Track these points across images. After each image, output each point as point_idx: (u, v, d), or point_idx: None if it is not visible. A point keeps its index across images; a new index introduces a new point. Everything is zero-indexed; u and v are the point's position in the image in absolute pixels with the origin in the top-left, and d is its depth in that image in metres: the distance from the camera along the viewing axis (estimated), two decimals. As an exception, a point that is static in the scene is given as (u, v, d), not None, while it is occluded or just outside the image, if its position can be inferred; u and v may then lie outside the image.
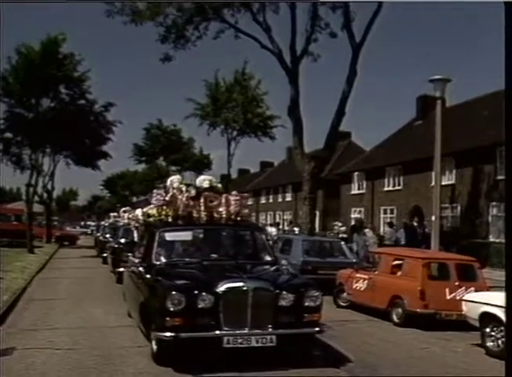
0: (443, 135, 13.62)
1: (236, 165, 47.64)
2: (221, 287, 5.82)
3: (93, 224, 45.17)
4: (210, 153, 49.36)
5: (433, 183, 15.82)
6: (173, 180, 7.82)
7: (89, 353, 6.54)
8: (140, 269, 7.21)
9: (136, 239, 8.90)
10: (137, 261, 7.77)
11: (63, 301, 10.62)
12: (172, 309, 5.66)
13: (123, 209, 21.41)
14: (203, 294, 5.76)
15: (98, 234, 25.99)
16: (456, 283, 8.84)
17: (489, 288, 8.51)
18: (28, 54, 24.92)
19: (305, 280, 7.14)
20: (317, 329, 6.16)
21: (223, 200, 7.55)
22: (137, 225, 8.84)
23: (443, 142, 13.67)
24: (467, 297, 8.05)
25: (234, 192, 7.88)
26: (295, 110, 20.64)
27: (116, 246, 15.47)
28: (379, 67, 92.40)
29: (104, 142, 30.08)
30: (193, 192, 7.50)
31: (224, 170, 36.69)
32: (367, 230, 15.80)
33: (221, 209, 7.53)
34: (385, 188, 28.72)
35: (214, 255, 7.38)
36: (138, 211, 8.55)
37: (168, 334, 5.66)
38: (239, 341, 5.73)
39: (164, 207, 7.61)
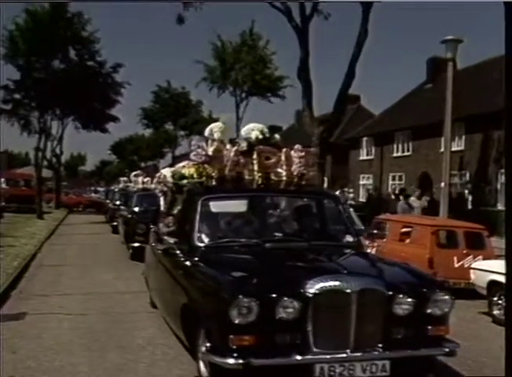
0: (453, 99, 13.39)
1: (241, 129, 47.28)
2: (311, 288, 3.91)
3: (101, 189, 45.25)
4: (220, 117, 49.01)
5: (442, 149, 15.66)
6: (214, 128, 5.88)
7: (100, 317, 6.65)
8: (177, 252, 5.20)
9: (162, 207, 6.83)
10: (169, 239, 5.62)
11: (73, 268, 10.73)
12: (238, 322, 3.77)
13: (134, 173, 19.79)
14: (285, 298, 3.84)
15: (107, 201, 25.16)
16: (464, 251, 8.84)
17: (497, 256, 8.50)
18: (36, 13, 24.56)
19: (424, 275, 4.95)
20: (447, 349, 4.21)
21: (283, 157, 5.68)
22: (165, 188, 6.77)
23: (453, 106, 13.45)
24: (475, 265, 8.06)
25: (297, 146, 5.81)
26: (305, 72, 20.33)
27: (130, 216, 13.36)
28: (390, 29, 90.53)
29: (113, 105, 29.90)
30: (244, 146, 5.66)
31: (232, 134, 36.53)
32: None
33: (279, 169, 5.71)
34: (394, 154, 28.49)
35: (278, 234, 5.48)
36: (166, 171, 6.77)
37: (232, 361, 3.76)
38: (338, 370, 3.87)
39: (205, 165, 5.70)
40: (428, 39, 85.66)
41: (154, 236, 6.82)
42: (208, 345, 4.02)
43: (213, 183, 5.66)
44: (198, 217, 5.15)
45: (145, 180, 16.95)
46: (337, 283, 3.95)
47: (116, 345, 5.56)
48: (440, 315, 4.25)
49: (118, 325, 6.32)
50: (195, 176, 5.79)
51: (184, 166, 6.20)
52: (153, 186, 14.33)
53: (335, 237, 5.65)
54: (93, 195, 42.14)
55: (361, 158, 32.17)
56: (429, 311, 4.20)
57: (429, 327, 4.21)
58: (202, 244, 5.00)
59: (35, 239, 14.66)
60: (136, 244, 11.07)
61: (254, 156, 5.60)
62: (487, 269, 7.53)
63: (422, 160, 25.50)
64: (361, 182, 31.18)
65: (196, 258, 4.83)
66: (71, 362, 5.01)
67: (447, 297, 4.28)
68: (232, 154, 5.57)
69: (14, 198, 25.58)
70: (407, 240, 9.47)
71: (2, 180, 29.34)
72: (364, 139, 31.89)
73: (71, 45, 26.38)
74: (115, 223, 17.45)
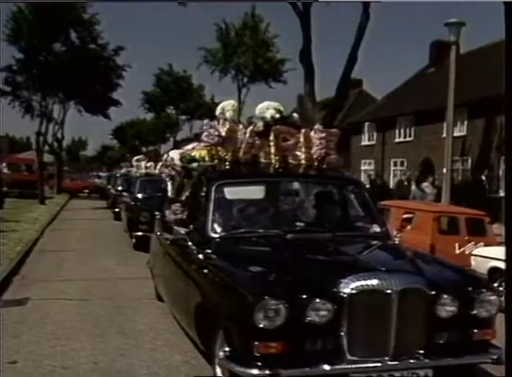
0: (456, 84, 13.31)
1: (247, 114, 47.31)
2: (346, 288, 3.49)
3: (103, 175, 45.26)
4: (222, 101, 48.84)
5: (444, 134, 15.59)
6: (226, 107, 5.35)
7: (102, 303, 6.67)
8: (189, 243, 4.67)
9: (170, 193, 6.37)
10: (178, 228, 5.02)
11: (75, 253, 10.75)
12: (264, 327, 3.33)
13: (136, 157, 19.21)
14: (317, 300, 3.43)
15: (109, 186, 24.67)
16: (466, 238, 8.83)
17: (499, 243, 8.50)
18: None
19: (467, 272, 4.83)
20: (494, 356, 3.75)
21: (301, 138, 5.17)
22: (172, 173, 6.23)
23: (455, 91, 13.37)
24: (476, 251, 8.06)
25: (317, 126, 5.33)
26: (307, 55, 20.21)
27: (132, 203, 12.74)
28: (392, 12, 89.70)
29: (115, 88, 29.79)
30: (260, 125, 5.14)
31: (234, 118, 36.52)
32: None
33: (298, 152, 5.22)
34: (396, 140, 28.40)
35: (299, 224, 5.03)
36: (174, 154, 6.22)
37: (256, 371, 3.33)
38: None
39: (218, 148, 5.21)
40: (431, 23, 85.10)
41: (160, 225, 6.26)
42: (227, 349, 3.58)
43: (227, 167, 5.16)
44: (211, 204, 4.64)
45: (148, 164, 16.63)
46: (376, 282, 3.50)
47: (118, 330, 5.58)
48: (486, 317, 3.82)
49: (120, 311, 6.35)
50: (206, 159, 5.34)
51: (193, 149, 5.75)
52: (157, 171, 13.76)
53: (361, 227, 5.15)
54: (96, 180, 42.08)
55: (363, 143, 32.07)
56: (474, 313, 3.77)
57: (475, 331, 3.78)
58: (216, 235, 4.51)
59: (37, 225, 14.69)
60: (139, 233, 10.64)
61: (271, 137, 5.09)
62: (488, 256, 7.53)
63: (424, 146, 25.41)
64: (362, 168, 31.13)
65: (211, 251, 4.37)
66: (72, 347, 5.04)
67: (494, 297, 3.86)
68: (247, 135, 5.08)
69: (16, 183, 25.54)
70: (409, 226, 9.46)
71: (4, 165, 29.32)
72: (366, 124, 31.76)
73: (72, 27, 26.24)
74: (116, 209, 16.96)
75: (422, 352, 3.57)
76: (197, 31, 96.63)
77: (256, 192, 5.18)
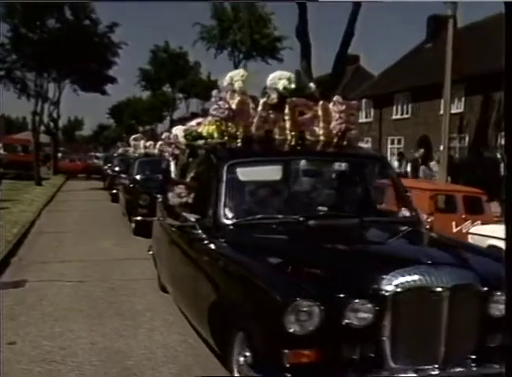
0: (453, 59, 13.19)
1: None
2: (389, 285, 3.00)
3: (100, 155, 45.06)
4: (218, 79, 48.68)
5: (441, 111, 15.52)
6: (234, 76, 4.75)
7: (99, 284, 6.68)
8: (199, 231, 4.13)
9: (173, 174, 5.82)
10: (185, 213, 4.45)
11: (72, 234, 10.75)
12: (295, 333, 2.88)
13: (134, 136, 18.42)
14: (356, 300, 2.96)
15: (106, 167, 24.08)
16: (463, 216, 8.83)
17: (497, 221, 8.51)
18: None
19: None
20: None
21: (319, 112, 4.63)
22: (176, 151, 5.65)
23: (453, 67, 13.26)
24: (473, 230, 8.06)
25: (337, 98, 4.76)
26: (303, 31, 19.99)
27: (131, 185, 12.03)
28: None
29: (110, 66, 29.48)
30: (274, 97, 4.61)
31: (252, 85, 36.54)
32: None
33: (316, 127, 4.69)
34: (393, 117, 28.29)
35: (322, 208, 4.41)
36: (177, 130, 5.64)
37: None
38: None
39: (228, 122, 4.66)
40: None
41: (162, 209, 5.83)
42: (248, 355, 3.16)
43: (238, 144, 4.61)
44: (223, 187, 4.09)
45: (147, 144, 16.00)
46: (423, 277, 3.02)
47: (115, 311, 5.60)
48: None
49: (118, 292, 6.36)
50: (215, 135, 4.75)
51: (199, 124, 5.26)
52: (156, 151, 13.36)
53: (388, 211, 4.71)
54: (95, 161, 41.81)
55: (360, 121, 31.90)
56: None
57: None
58: (229, 222, 3.97)
59: (34, 206, 14.66)
60: (139, 218, 10.20)
61: (286, 111, 4.56)
62: (485, 234, 7.54)
63: (422, 123, 25.32)
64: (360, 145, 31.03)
65: (224, 240, 3.90)
66: (70, 328, 5.06)
67: None
68: (259, 108, 4.56)
69: (12, 164, 25.43)
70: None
71: (0, 145, 29.17)
72: (363, 101, 31.58)
73: (66, 4, 25.81)
74: (114, 191, 16.33)
75: (474, 357, 3.13)
76: (193, 7, 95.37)
77: (272, 172, 4.57)
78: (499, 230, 7.29)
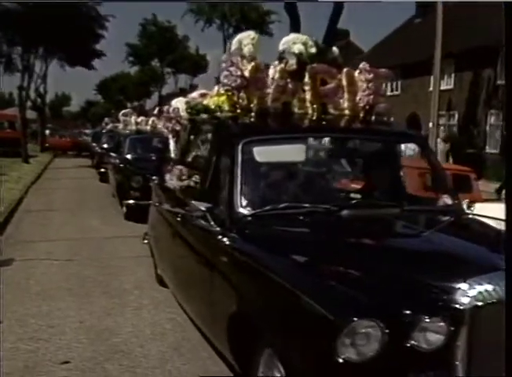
0: (443, 34, 13.13)
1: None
2: (466, 297, 2.37)
3: (88, 131, 44.50)
4: (207, 54, 48.48)
5: (431, 88, 15.48)
6: (244, 40, 4.10)
7: (88, 263, 6.67)
8: (211, 223, 3.38)
9: (173, 153, 5.12)
10: (193, 201, 3.65)
11: (60, 213, 10.67)
12: (350, 359, 2.26)
13: (123, 111, 17.21)
14: (426, 318, 2.31)
15: (94, 144, 22.78)
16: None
17: (484, 200, 8.56)
18: None
19: None
20: None
21: (344, 81, 3.97)
22: (177, 127, 4.91)
23: (443, 42, 13.21)
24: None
25: (363, 64, 4.04)
26: (292, 5, 19.76)
27: (122, 165, 11.12)
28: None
29: (98, 39, 28.99)
30: (293, 63, 3.98)
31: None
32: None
33: (340, 99, 4.02)
34: (383, 94, 28.15)
35: (355, 195, 3.92)
36: (179, 103, 4.88)
37: None
38: None
39: (240, 92, 3.93)
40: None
41: (159, 192, 5.30)
42: None
43: (251, 118, 3.94)
44: (238, 170, 3.39)
45: (139, 120, 14.96)
46: (499, 287, 2.38)
47: (104, 290, 5.59)
48: None
49: (106, 270, 6.35)
50: (225, 108, 4.02)
51: (204, 95, 4.60)
52: (149, 128, 12.76)
53: (429, 198, 4.11)
54: (85, 138, 41.18)
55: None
56: None
57: None
58: (247, 212, 3.28)
59: (21, 184, 14.53)
60: (131, 201, 9.94)
61: (306, 79, 3.93)
62: (473, 213, 7.58)
63: (411, 100, 25.28)
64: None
65: (243, 234, 3.21)
66: (58, 307, 5.05)
67: None
68: (276, 75, 3.90)
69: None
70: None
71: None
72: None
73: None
74: (102, 170, 15.37)
75: None
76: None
77: (294, 152, 3.88)
78: (487, 208, 7.33)
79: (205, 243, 3.58)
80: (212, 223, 3.38)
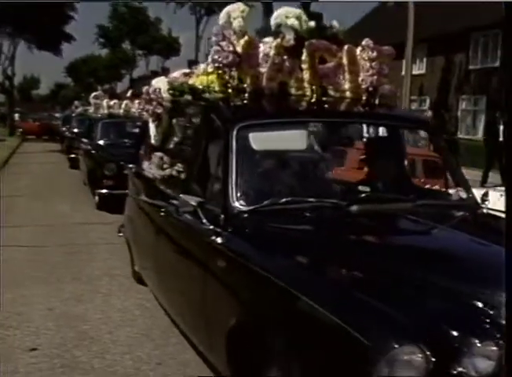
0: (416, 18, 13.17)
1: (204, 49, 46.48)
2: None
3: (58, 115, 43.52)
4: (179, 36, 48.04)
5: (403, 72, 15.57)
6: (233, 12, 3.64)
7: (56, 249, 6.55)
8: (203, 220, 2.98)
9: (153, 139, 4.49)
10: (185, 196, 3.13)
11: (27, 198, 10.42)
12: None
13: (94, 94, 16.20)
14: (477, 343, 1.88)
15: (64, 128, 21.58)
16: (422, 180, 8.91)
17: (455, 186, 8.63)
18: None
19: None
20: None
21: (345, 59, 3.61)
22: (158, 110, 4.28)
23: (415, 26, 13.26)
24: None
25: (366, 41, 3.70)
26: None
27: (93, 151, 10.48)
28: None
29: (67, 21, 28.32)
30: (291, 38, 3.58)
31: (191, 54, 35.89)
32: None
33: (341, 79, 3.64)
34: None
35: (363, 188, 3.56)
36: (159, 83, 4.33)
37: None
38: None
39: (232, 71, 3.51)
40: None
41: (137, 182, 4.84)
42: None
43: (245, 100, 3.53)
44: (233, 159, 2.98)
45: (111, 103, 14.04)
46: None
47: (73, 276, 5.51)
48: None
49: (76, 257, 6.26)
50: (216, 88, 3.57)
51: (187, 75, 4.21)
52: (122, 111, 12.10)
53: (441, 192, 3.65)
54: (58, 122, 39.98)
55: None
56: None
57: None
58: (245, 208, 2.86)
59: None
60: (104, 191, 8.99)
61: (304, 57, 3.54)
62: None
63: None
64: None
65: (240, 233, 2.83)
66: (26, 294, 4.95)
67: None
68: (271, 52, 3.49)
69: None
70: (366, 168, 9.48)
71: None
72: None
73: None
74: (72, 155, 14.72)
75: None
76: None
77: (295, 139, 3.53)
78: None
79: (195, 242, 3.18)
80: (204, 220, 2.96)
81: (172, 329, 3.95)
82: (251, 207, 2.89)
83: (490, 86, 20.58)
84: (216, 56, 3.50)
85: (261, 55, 3.54)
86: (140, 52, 48.72)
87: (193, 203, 3.01)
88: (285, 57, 3.54)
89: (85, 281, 5.38)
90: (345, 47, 3.65)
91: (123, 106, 12.48)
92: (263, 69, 3.53)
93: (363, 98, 3.68)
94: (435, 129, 4.12)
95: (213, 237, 2.88)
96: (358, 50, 3.70)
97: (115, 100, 14.13)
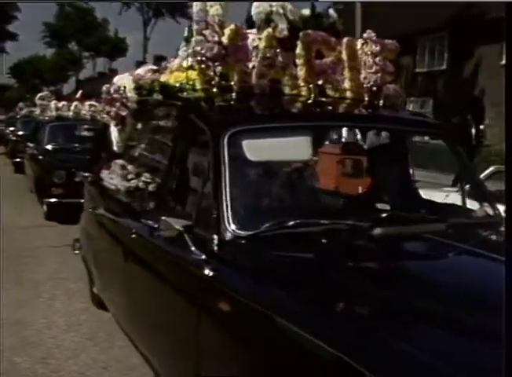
0: (363, 21, 13.47)
1: (153, 51, 46.02)
2: None
3: (2, 117, 41.85)
4: (127, 37, 47.46)
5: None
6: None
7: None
8: (192, 249, 2.35)
9: (115, 145, 3.87)
10: (167, 219, 2.45)
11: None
12: None
13: (40, 95, 15.28)
14: None
15: (7, 131, 20.41)
16: (369, 181, 9.00)
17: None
18: None
19: None
20: None
21: (344, 54, 3.14)
22: (123, 112, 3.65)
23: (363, 29, 13.55)
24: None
25: (368, 33, 3.26)
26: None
27: (41, 157, 9.72)
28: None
29: (10, 21, 27.47)
30: (284, 28, 3.12)
31: (139, 56, 35.53)
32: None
33: (339, 77, 3.15)
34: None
35: (383, 206, 3.01)
36: (125, 80, 3.76)
37: None
38: None
39: (216, 66, 2.98)
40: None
41: (95, 194, 4.30)
42: None
43: (231, 101, 3.00)
44: (226, 172, 2.41)
45: (60, 104, 13.29)
46: None
47: (16, 281, 5.34)
48: None
49: (19, 261, 6.04)
50: (197, 86, 3.03)
51: (157, 71, 3.69)
52: (71, 113, 11.59)
53: (459, 206, 3.06)
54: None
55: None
56: None
57: None
58: (244, 233, 2.29)
59: None
60: (53, 200, 8.36)
61: (299, 50, 3.03)
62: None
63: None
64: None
65: (242, 267, 2.31)
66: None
67: None
68: (261, 44, 3.01)
69: None
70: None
71: None
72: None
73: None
74: (18, 159, 13.84)
75: None
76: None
77: (298, 147, 2.78)
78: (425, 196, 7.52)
79: (181, 273, 2.52)
80: (193, 248, 2.35)
81: (118, 333, 3.86)
82: (251, 232, 2.29)
83: (437, 89, 21.30)
84: (198, 48, 2.96)
85: (249, 48, 3.04)
86: (86, 53, 47.84)
87: (178, 227, 2.39)
88: (278, 50, 3.05)
89: (29, 286, 5.22)
90: (345, 40, 3.19)
91: (73, 108, 12.09)
92: (251, 64, 3.03)
93: (366, 99, 3.18)
94: (453, 136, 3.40)
95: (205, 269, 2.25)
96: (359, 43, 3.25)
97: (64, 102, 13.53)
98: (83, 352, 3.79)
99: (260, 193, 2.87)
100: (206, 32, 2.98)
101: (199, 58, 2.98)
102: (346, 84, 3.17)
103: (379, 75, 3.19)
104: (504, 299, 1.44)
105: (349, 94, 3.17)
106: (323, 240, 2.32)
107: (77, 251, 4.93)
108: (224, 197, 2.37)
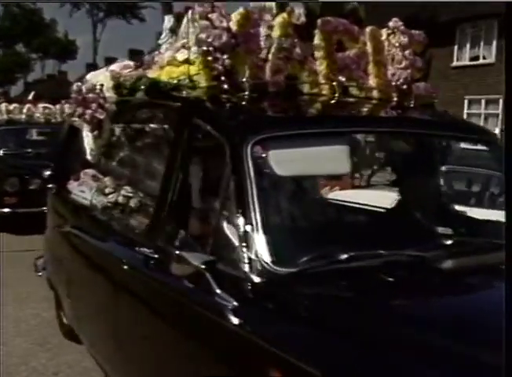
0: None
1: (103, 52, 45.32)
2: None
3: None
4: (76, 39, 46.46)
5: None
6: None
7: None
8: (216, 290, 1.81)
9: (88, 153, 3.29)
10: (182, 252, 1.89)
11: None
12: None
13: None
14: None
15: None
16: (321, 182, 9.15)
17: (353, 187, 8.97)
18: None
19: None
20: None
21: (369, 46, 2.67)
22: (100, 115, 3.11)
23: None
24: (331, 196, 8.44)
25: (394, 22, 2.82)
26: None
27: None
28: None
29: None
30: (301, 14, 2.64)
31: (89, 58, 34.95)
32: None
33: (364, 72, 2.68)
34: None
35: (443, 230, 2.39)
36: (99, 77, 3.21)
37: None
38: None
39: (225, 57, 2.42)
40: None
41: (62, 209, 3.78)
42: None
43: (243, 101, 2.40)
44: (254, 191, 1.91)
45: (11, 107, 12.24)
46: None
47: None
48: None
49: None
50: (202, 83, 2.47)
51: (139, 67, 3.17)
52: (24, 116, 10.66)
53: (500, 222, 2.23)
54: None
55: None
56: None
57: None
58: (285, 269, 1.80)
59: None
60: (5, 210, 7.75)
61: (317, 40, 2.57)
62: (342, 200, 7.95)
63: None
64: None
65: (285, 314, 1.74)
66: None
67: None
68: (275, 32, 2.52)
69: None
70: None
71: None
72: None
73: None
74: None
75: None
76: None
77: (334, 158, 2.20)
78: (354, 195, 7.72)
79: (201, 320, 1.93)
80: (218, 290, 1.82)
81: (72, 336, 3.79)
82: (293, 269, 1.80)
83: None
84: (203, 35, 2.42)
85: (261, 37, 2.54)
86: (35, 55, 46.53)
87: (197, 264, 1.85)
88: (296, 40, 2.56)
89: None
90: (368, 29, 2.70)
91: (25, 111, 11.53)
92: (264, 55, 2.54)
93: (394, 98, 2.74)
94: (498, 143, 2.78)
95: (235, 317, 1.75)
96: (384, 33, 2.80)
97: (15, 104, 12.93)
98: (34, 358, 3.73)
99: (296, 217, 2.32)
100: (213, 16, 2.44)
101: (204, 48, 2.43)
102: (371, 81, 2.69)
103: (409, 71, 2.75)
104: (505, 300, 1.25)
105: (374, 93, 2.70)
106: (384, 276, 1.83)
107: (40, 274, 4.39)
108: (255, 224, 1.85)
